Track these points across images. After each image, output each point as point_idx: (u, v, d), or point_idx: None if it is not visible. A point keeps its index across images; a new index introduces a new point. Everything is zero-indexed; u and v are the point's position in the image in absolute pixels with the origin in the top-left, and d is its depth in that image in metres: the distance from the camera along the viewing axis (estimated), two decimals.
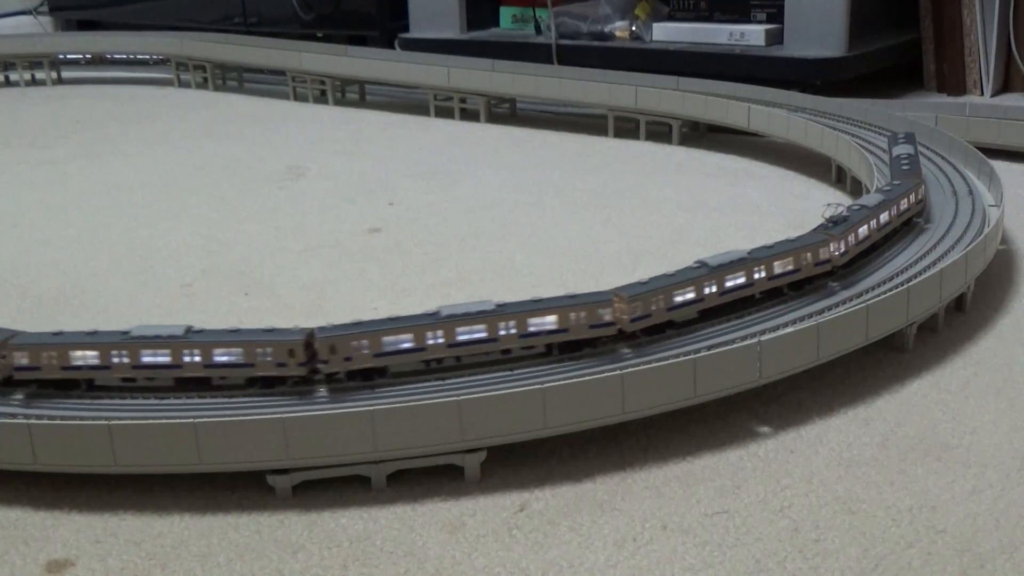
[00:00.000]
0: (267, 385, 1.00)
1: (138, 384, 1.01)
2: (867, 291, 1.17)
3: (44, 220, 1.81)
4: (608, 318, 1.04)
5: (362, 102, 2.81)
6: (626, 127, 2.27)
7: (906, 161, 1.52)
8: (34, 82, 3.23)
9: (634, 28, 2.62)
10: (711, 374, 0.99)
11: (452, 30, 2.90)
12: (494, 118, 2.51)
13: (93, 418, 0.94)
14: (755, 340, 1.01)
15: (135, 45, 3.20)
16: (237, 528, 0.89)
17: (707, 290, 1.10)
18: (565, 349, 1.05)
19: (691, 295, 1.09)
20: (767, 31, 2.44)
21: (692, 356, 0.99)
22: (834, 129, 1.85)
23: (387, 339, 1.00)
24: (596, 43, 2.64)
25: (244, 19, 3.42)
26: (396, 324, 1.01)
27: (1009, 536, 0.84)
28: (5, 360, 0.99)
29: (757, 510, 0.89)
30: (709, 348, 1.03)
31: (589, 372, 0.99)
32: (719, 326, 1.10)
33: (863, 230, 1.24)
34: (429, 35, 2.91)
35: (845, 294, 1.17)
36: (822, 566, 0.81)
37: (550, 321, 1.03)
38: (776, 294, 1.16)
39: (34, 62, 3.22)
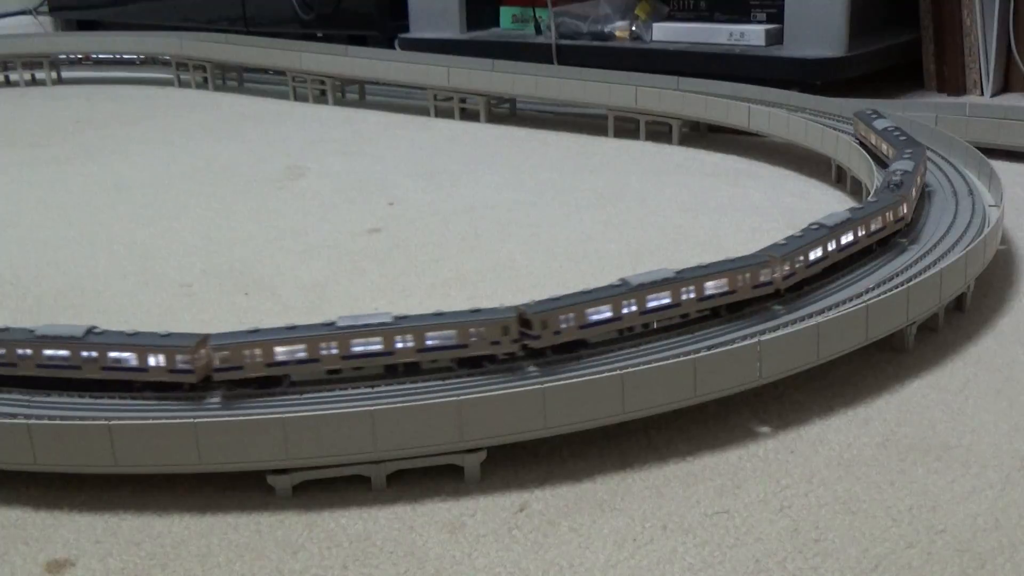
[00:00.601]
0: (475, 365, 1.01)
1: (343, 375, 1.01)
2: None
3: (44, 220, 1.81)
4: (766, 278, 1.11)
5: (362, 102, 2.81)
6: (626, 127, 2.27)
7: (897, 132, 1.60)
8: (34, 82, 3.23)
9: (634, 28, 2.62)
10: (711, 374, 0.99)
11: (452, 30, 2.90)
12: (494, 118, 2.51)
13: (106, 418, 0.94)
14: (755, 340, 1.01)
15: (135, 45, 3.20)
16: (237, 528, 0.89)
17: (830, 247, 1.17)
18: (731, 310, 1.11)
19: (820, 252, 1.17)
20: (767, 31, 2.44)
21: (692, 356, 0.99)
22: (834, 129, 1.85)
23: (589, 311, 1.02)
24: (596, 43, 2.64)
25: (244, 19, 3.42)
26: (593, 296, 1.04)
27: (1009, 536, 0.84)
28: (203, 361, 0.98)
29: (757, 510, 0.89)
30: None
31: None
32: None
33: (914, 192, 1.34)
34: (429, 35, 2.92)
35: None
36: (822, 566, 0.81)
37: (723, 284, 1.09)
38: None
39: (34, 62, 3.22)
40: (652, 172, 1.99)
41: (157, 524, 0.90)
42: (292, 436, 0.90)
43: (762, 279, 1.11)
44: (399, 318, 1.00)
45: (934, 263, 1.23)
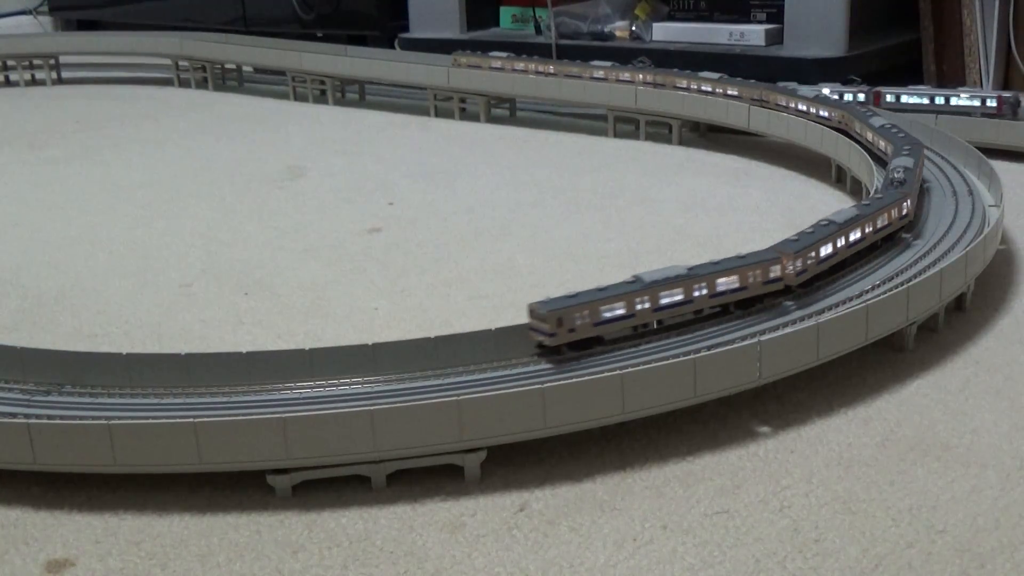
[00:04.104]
0: (749, 306, 1.12)
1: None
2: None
3: (44, 220, 1.81)
4: (907, 211, 1.29)
5: (362, 102, 2.81)
6: (626, 127, 2.27)
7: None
8: (34, 82, 3.23)
9: (634, 28, 2.62)
10: (711, 374, 0.99)
11: (452, 30, 2.90)
12: (494, 118, 2.51)
13: (106, 417, 0.94)
14: (755, 340, 1.01)
15: (135, 45, 3.20)
16: (237, 528, 0.89)
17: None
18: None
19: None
20: (767, 31, 2.44)
21: (692, 356, 0.99)
22: (834, 129, 1.85)
23: (823, 248, 1.17)
24: (596, 43, 2.64)
25: (244, 19, 3.42)
26: (817, 236, 1.16)
27: (1009, 536, 0.84)
28: (562, 331, 1.01)
29: (757, 510, 0.89)
30: (708, 348, 1.03)
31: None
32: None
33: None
34: (429, 35, 2.92)
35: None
36: (822, 566, 0.81)
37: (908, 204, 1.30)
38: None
39: (34, 62, 3.22)
40: (652, 172, 1.99)
41: (157, 524, 0.90)
42: (292, 436, 0.90)
43: (905, 212, 1.25)
44: (692, 268, 1.09)
45: (934, 263, 1.23)
